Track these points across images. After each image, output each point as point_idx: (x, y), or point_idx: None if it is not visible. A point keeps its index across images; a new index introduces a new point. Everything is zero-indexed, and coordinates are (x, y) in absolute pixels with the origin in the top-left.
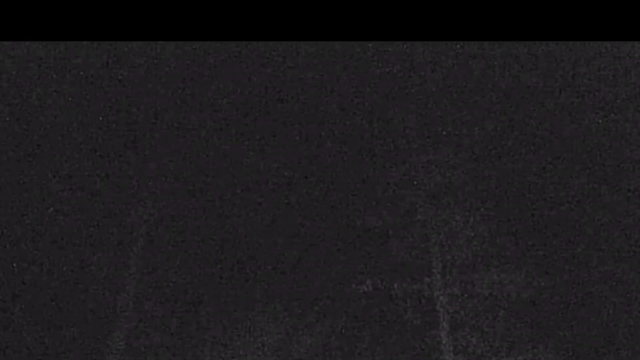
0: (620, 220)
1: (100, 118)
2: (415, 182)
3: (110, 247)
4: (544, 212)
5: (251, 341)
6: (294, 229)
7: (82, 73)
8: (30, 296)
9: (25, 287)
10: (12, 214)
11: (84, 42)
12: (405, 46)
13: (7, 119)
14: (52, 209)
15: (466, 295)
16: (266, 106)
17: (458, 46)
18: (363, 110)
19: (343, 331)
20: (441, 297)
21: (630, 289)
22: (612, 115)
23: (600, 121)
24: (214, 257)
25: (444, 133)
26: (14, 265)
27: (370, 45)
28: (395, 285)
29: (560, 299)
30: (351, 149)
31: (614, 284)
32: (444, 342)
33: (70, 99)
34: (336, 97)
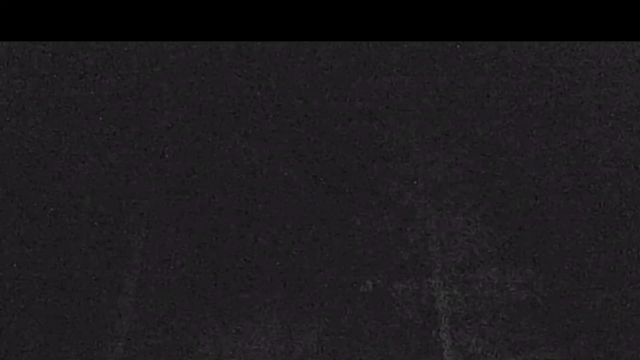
0: (620, 220)
1: (100, 118)
2: (415, 182)
3: (110, 247)
4: (544, 212)
5: (251, 341)
6: (293, 229)
7: (82, 73)
8: (30, 296)
9: (25, 287)
10: (11, 214)
11: (84, 42)
12: (405, 46)
13: (7, 119)
14: (52, 208)
15: (466, 295)
16: (265, 106)
17: (458, 46)
18: (363, 110)
19: (343, 331)
20: (441, 297)
21: (631, 289)
22: (613, 115)
23: (601, 121)
24: (214, 257)
25: (444, 133)
26: (14, 265)
27: (370, 45)
28: (395, 285)
29: (560, 299)
30: (351, 148)
31: (614, 283)
32: (444, 342)
33: (69, 99)
34: (336, 97)
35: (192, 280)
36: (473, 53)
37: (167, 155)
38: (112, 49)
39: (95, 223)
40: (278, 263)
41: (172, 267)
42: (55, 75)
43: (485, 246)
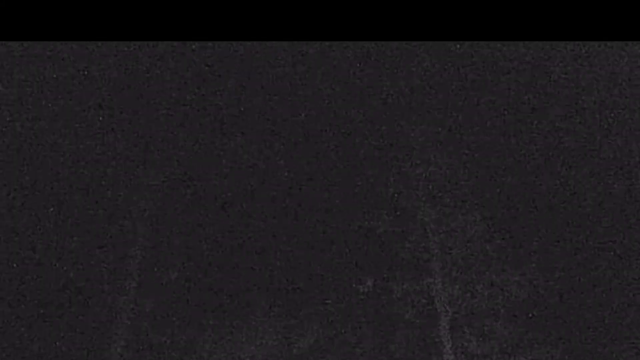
0: (620, 219)
1: (100, 118)
2: (415, 182)
3: (110, 247)
4: (544, 212)
5: (251, 341)
6: (294, 229)
7: (82, 73)
8: (30, 296)
9: (25, 287)
10: (12, 213)
11: (84, 42)
12: (406, 46)
13: (8, 119)
14: (52, 208)
15: (466, 295)
16: (266, 106)
17: (458, 46)
18: (363, 110)
19: (343, 331)
20: (441, 297)
21: (631, 288)
22: (613, 114)
23: (600, 121)
24: (214, 257)
25: (444, 133)
26: (14, 265)
27: (370, 45)
28: (395, 285)
29: (560, 299)
30: (351, 149)
31: (614, 283)
32: (444, 342)
33: (70, 99)
34: (336, 98)
35: (191, 280)
36: (473, 53)
37: (167, 156)
38: (112, 49)
39: (96, 223)
40: (277, 263)
41: (172, 268)
42: (54, 76)
43: (485, 246)
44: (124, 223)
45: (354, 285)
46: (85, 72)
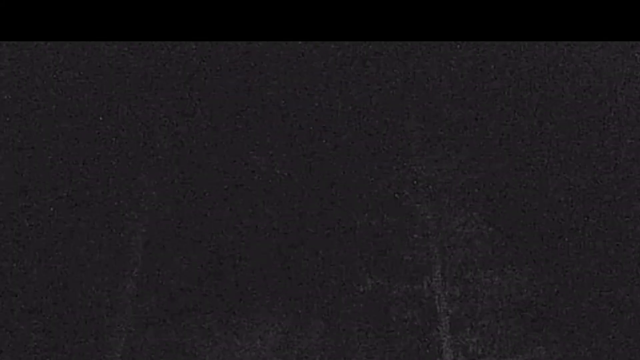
0: (620, 220)
1: (101, 118)
2: (415, 182)
3: (110, 247)
4: (544, 212)
5: (251, 341)
6: (293, 229)
7: (81, 73)
8: (30, 296)
9: (25, 287)
10: (12, 213)
11: (85, 42)
12: (405, 46)
13: (7, 119)
14: (52, 208)
15: (466, 295)
16: (266, 106)
17: (458, 46)
18: (363, 110)
19: (343, 331)
20: (441, 297)
21: (629, 289)
22: (613, 115)
23: (600, 121)
24: (214, 257)
25: (444, 133)
26: (14, 265)
27: (370, 45)
28: (395, 285)
29: (560, 299)
30: (351, 148)
31: (614, 283)
32: (444, 342)
33: (69, 99)
34: (336, 98)
35: (191, 281)
36: (473, 53)
37: (167, 156)
38: (112, 49)
39: (96, 223)
40: (278, 263)
41: (172, 267)
42: (55, 75)
43: (485, 246)
44: (124, 223)
45: (354, 285)
46: (85, 72)
